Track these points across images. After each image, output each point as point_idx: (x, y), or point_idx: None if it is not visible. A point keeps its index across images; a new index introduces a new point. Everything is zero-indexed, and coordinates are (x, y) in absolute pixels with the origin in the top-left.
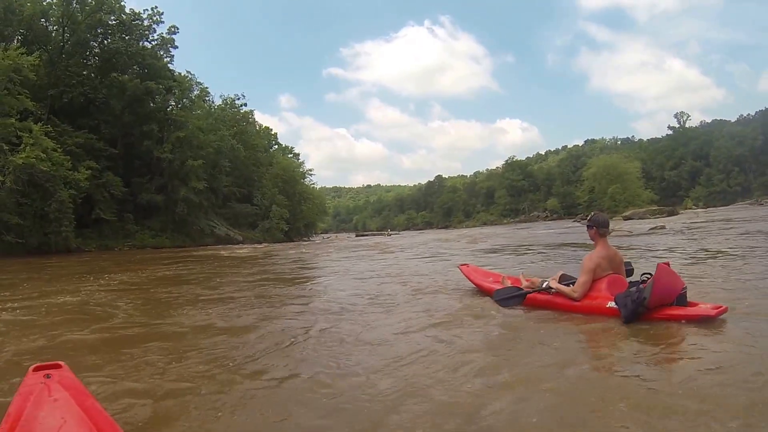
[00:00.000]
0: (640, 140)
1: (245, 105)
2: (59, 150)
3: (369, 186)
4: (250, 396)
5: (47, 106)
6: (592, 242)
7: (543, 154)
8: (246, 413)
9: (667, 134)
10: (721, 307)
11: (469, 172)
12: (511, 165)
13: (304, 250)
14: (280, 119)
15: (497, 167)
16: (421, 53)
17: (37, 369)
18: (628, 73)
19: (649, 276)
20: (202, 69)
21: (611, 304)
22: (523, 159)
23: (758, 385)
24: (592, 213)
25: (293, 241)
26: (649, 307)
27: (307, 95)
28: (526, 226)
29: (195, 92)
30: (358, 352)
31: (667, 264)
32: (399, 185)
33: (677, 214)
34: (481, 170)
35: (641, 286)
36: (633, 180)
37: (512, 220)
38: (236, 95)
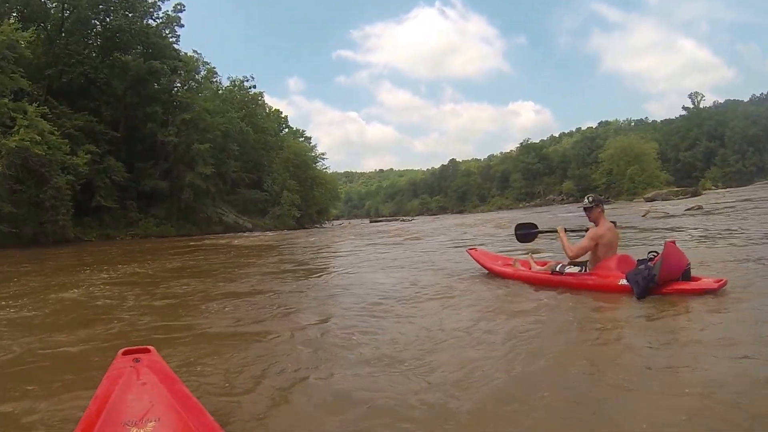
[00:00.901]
0: (654, 121)
1: (254, 87)
2: (57, 133)
3: (381, 170)
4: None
5: (44, 86)
6: (593, 223)
7: (557, 136)
8: None
9: (680, 115)
10: (721, 280)
11: (482, 156)
12: (526, 148)
13: (321, 238)
14: (289, 102)
15: (511, 150)
16: (432, 35)
17: (126, 353)
18: (639, 54)
19: (655, 254)
20: (209, 49)
21: (623, 281)
22: (538, 142)
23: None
24: (592, 195)
25: (306, 228)
26: (659, 283)
27: (316, 78)
28: (544, 209)
29: (202, 73)
30: (404, 354)
31: (674, 242)
32: (412, 169)
33: (700, 194)
34: (495, 153)
35: (649, 263)
36: (650, 161)
37: (528, 203)
38: (245, 77)
